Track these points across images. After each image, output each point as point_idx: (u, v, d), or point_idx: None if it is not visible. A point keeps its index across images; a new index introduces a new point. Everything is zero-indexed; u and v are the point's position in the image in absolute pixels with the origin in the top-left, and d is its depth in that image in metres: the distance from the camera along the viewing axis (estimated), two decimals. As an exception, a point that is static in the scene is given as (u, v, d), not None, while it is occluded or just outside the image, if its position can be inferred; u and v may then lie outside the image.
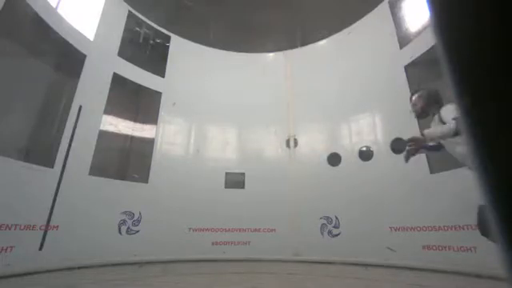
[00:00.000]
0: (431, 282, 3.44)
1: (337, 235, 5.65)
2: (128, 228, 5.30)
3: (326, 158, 6.31)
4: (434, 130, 2.08)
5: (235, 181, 6.55)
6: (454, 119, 1.89)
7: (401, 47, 5.65)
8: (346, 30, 6.98)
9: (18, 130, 4.41)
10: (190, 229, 5.85)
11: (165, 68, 6.96)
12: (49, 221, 4.19)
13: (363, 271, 4.32)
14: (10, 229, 3.69)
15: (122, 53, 6.12)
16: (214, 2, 7.80)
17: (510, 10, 0.22)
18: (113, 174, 5.79)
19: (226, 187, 6.46)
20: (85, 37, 5.31)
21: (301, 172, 6.46)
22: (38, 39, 4.67)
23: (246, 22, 8.05)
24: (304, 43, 7.69)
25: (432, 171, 4.59)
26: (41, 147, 4.59)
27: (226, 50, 7.79)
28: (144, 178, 5.93)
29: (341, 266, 4.89)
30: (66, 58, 5.11)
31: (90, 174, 4.99)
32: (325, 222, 5.84)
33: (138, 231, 5.39)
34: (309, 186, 6.20)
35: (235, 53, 7.82)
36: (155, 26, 7.05)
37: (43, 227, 4.12)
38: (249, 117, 7.14)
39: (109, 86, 5.66)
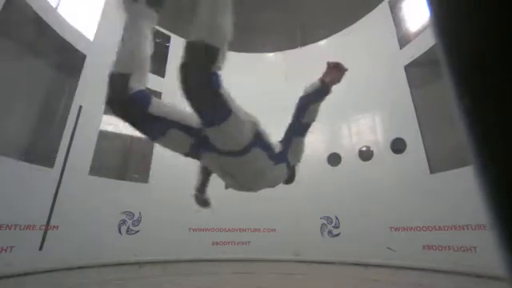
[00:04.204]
0: (431, 281, 3.44)
1: (337, 235, 5.65)
2: (128, 228, 5.30)
3: (326, 158, 6.31)
4: None
5: (235, 181, 6.54)
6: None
7: (401, 47, 5.65)
8: (345, 30, 6.98)
9: (18, 129, 4.41)
10: (190, 229, 5.85)
11: (165, 68, 6.96)
12: (49, 221, 4.19)
13: (363, 271, 4.32)
14: (10, 229, 3.69)
15: (122, 53, 6.12)
16: (214, 2, 7.79)
17: (509, 10, 0.22)
18: (113, 174, 5.78)
19: (225, 187, 6.45)
20: (85, 37, 5.31)
21: (301, 172, 6.44)
22: (37, 39, 4.67)
23: (246, 22, 8.04)
24: (304, 43, 7.69)
25: (432, 171, 4.59)
26: (41, 147, 4.59)
27: (225, 49, 7.77)
28: (144, 178, 5.92)
29: (341, 265, 4.89)
30: (65, 58, 5.10)
31: (90, 174, 4.98)
32: (325, 221, 5.84)
33: (138, 231, 5.39)
34: (309, 185, 6.20)
35: (235, 53, 7.81)
36: (155, 26, 7.05)
37: (43, 227, 4.12)
38: (249, 117, 7.13)
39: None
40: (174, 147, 1.21)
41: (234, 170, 1.29)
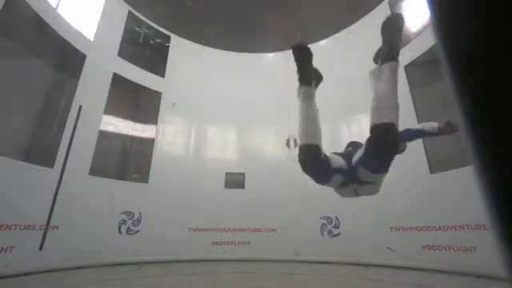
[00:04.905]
0: (431, 281, 3.44)
1: (337, 235, 5.64)
2: (128, 228, 5.30)
3: (325, 158, 6.30)
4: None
5: (235, 181, 6.54)
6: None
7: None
8: (345, 30, 6.98)
9: (18, 130, 4.41)
10: (189, 229, 5.85)
11: (165, 68, 6.96)
12: (49, 221, 4.19)
13: (363, 271, 4.32)
14: (10, 229, 3.69)
15: (121, 53, 6.11)
16: (214, 1, 7.79)
17: (508, 10, 0.22)
18: (113, 174, 5.78)
19: (226, 187, 6.46)
20: (85, 37, 5.31)
21: (301, 172, 6.44)
22: (37, 39, 4.67)
23: (246, 22, 8.04)
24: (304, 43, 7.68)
25: (432, 171, 4.59)
26: (41, 147, 4.59)
27: (226, 50, 7.78)
28: (144, 178, 5.92)
29: (341, 265, 4.89)
30: (65, 58, 5.10)
31: (90, 174, 4.98)
32: (325, 221, 5.83)
33: (137, 231, 5.39)
34: (309, 185, 6.20)
35: (235, 53, 7.82)
36: (155, 26, 7.05)
37: (43, 227, 4.12)
38: (249, 117, 7.13)
39: (109, 86, 5.66)
40: (330, 185, 1.75)
41: (365, 192, 1.90)
